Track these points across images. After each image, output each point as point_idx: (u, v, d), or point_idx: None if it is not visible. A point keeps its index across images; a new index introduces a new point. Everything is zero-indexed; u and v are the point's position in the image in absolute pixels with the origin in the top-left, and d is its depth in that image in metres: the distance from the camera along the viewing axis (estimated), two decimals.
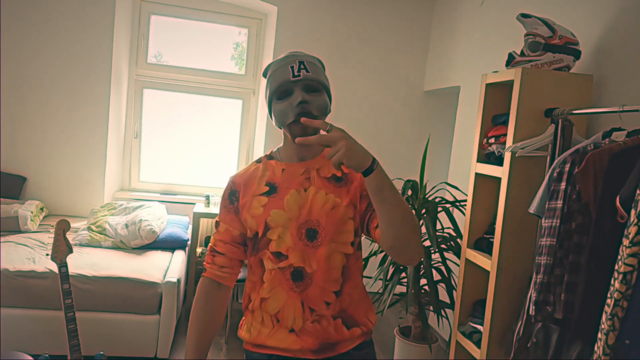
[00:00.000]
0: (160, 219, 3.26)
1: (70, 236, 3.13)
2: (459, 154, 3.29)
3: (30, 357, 2.10)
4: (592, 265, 1.45)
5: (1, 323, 2.43)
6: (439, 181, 3.73)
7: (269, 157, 1.30)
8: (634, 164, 1.36)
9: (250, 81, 4.07)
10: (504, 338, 2.05)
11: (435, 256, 2.78)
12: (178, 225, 3.39)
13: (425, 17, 3.94)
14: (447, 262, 2.66)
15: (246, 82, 4.06)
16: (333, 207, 1.19)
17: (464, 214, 2.61)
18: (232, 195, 1.27)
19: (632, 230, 1.25)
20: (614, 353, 1.28)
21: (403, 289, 2.88)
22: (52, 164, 3.58)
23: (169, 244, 3.16)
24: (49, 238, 3.01)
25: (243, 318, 1.30)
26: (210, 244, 1.30)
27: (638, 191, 1.26)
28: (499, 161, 2.14)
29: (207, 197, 3.67)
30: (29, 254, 2.71)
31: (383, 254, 2.77)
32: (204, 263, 1.30)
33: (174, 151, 4.09)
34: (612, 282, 1.30)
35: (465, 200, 2.66)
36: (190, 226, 3.63)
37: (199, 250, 3.60)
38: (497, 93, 2.25)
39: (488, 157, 2.25)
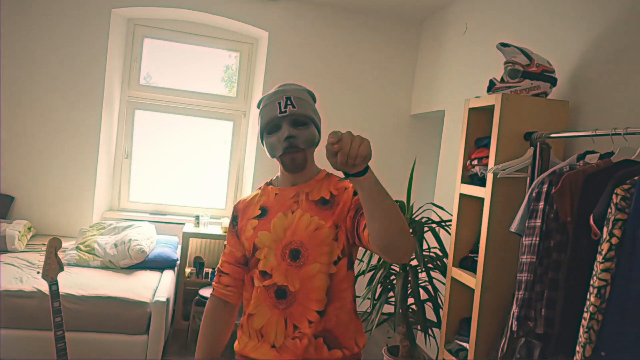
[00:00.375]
0: (150, 239, 3.27)
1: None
2: (445, 175, 3.38)
3: None
4: (570, 281, 1.51)
5: None
6: (426, 202, 3.82)
7: (268, 183, 1.40)
8: (605, 185, 1.44)
9: (241, 103, 4.15)
10: (489, 355, 2.10)
11: (422, 275, 2.83)
12: (167, 245, 3.41)
13: (412, 44, 4.09)
14: (434, 281, 2.71)
15: (237, 104, 4.14)
16: (316, 228, 1.24)
17: (449, 233, 2.68)
18: (234, 220, 1.39)
19: (605, 246, 1.32)
20: None
21: (391, 308, 2.92)
22: (41, 183, 3.59)
23: (158, 264, 3.17)
24: (39, 258, 3.00)
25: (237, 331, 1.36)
26: (218, 264, 1.40)
27: (609, 210, 1.34)
28: (482, 182, 2.22)
29: (197, 217, 3.69)
30: (17, 274, 2.70)
31: (371, 273, 2.81)
32: (213, 283, 1.39)
33: (164, 171, 4.12)
34: (588, 296, 1.37)
35: (450, 220, 2.73)
36: (180, 246, 3.64)
37: (187, 270, 3.61)
38: (479, 117, 2.35)
39: (472, 178, 2.33)
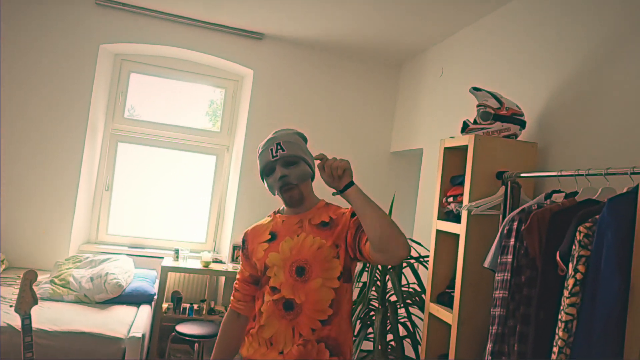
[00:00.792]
0: (127, 273, 3.22)
1: None
2: (423, 211, 3.45)
3: None
4: (540, 316, 1.56)
5: None
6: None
7: (277, 212, 1.64)
8: (570, 223, 1.52)
9: (224, 138, 4.21)
10: None
11: (401, 311, 2.85)
12: (145, 279, 3.36)
13: (391, 85, 4.25)
14: (413, 317, 2.73)
15: (221, 139, 4.20)
16: (319, 247, 1.45)
17: (427, 269, 2.73)
18: (243, 243, 1.63)
19: (570, 282, 1.39)
20: None
21: (370, 344, 2.91)
22: (17, 214, 3.53)
23: (135, 299, 3.11)
24: (12, 292, 2.92)
25: (245, 338, 1.54)
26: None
27: (573, 247, 1.41)
28: (457, 219, 2.29)
29: (176, 251, 3.66)
30: None
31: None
32: (231, 297, 1.64)
33: (144, 204, 4.11)
34: (556, 330, 1.42)
35: (428, 256, 2.78)
36: (158, 280, 3.59)
37: (165, 305, 3.54)
38: (454, 156, 2.45)
39: (448, 214, 2.41)
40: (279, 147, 1.49)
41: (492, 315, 1.74)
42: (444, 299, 2.36)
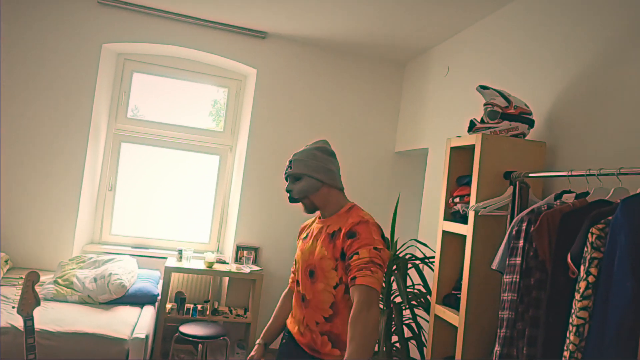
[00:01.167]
0: (131, 273, 3.21)
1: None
2: (428, 212, 3.42)
3: None
4: (550, 319, 1.53)
5: None
6: (409, 238, 3.84)
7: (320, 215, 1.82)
8: (581, 224, 1.48)
9: (228, 138, 4.19)
10: None
11: (406, 313, 2.82)
12: (149, 280, 3.34)
13: (396, 84, 4.22)
14: (418, 318, 2.70)
15: (224, 139, 4.18)
16: (322, 257, 1.62)
17: (432, 270, 2.70)
18: (298, 235, 1.87)
19: (582, 285, 1.35)
20: None
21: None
22: (21, 215, 3.52)
23: (139, 299, 3.10)
24: (15, 293, 2.91)
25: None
26: None
27: (585, 249, 1.38)
28: (464, 219, 2.26)
29: (180, 252, 3.65)
30: None
31: None
32: None
33: (148, 204, 4.09)
34: (567, 334, 1.39)
35: (433, 257, 2.75)
36: (161, 281, 3.57)
37: (168, 305, 3.53)
38: (460, 156, 2.42)
39: (454, 215, 2.37)
40: (289, 164, 1.71)
41: (500, 318, 1.71)
42: (450, 301, 2.33)
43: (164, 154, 4.09)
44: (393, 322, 2.68)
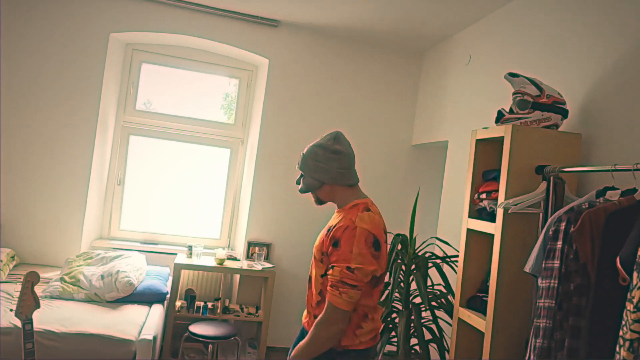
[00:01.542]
0: (139, 270, 3.11)
1: (41, 287, 2.96)
2: (448, 208, 3.26)
3: None
4: (594, 330, 1.38)
5: None
6: (428, 235, 3.69)
7: None
8: (631, 224, 1.33)
9: (239, 130, 4.06)
10: None
11: (426, 314, 2.68)
12: (157, 277, 3.24)
13: (413, 74, 4.05)
14: (439, 320, 2.55)
15: (235, 132, 4.06)
16: (318, 246, 1.72)
17: (454, 270, 2.55)
18: None
19: (636, 294, 1.20)
20: None
21: (393, 348, 2.75)
22: (28, 210, 3.44)
23: (147, 297, 3.00)
24: (16, 290, 2.83)
25: None
26: None
27: (638, 253, 1.22)
28: (490, 217, 2.10)
29: (190, 248, 3.54)
30: None
31: None
32: None
33: (157, 199, 3.99)
34: (617, 349, 1.23)
35: (455, 256, 2.60)
36: (171, 278, 3.47)
37: (178, 303, 3.43)
38: (486, 149, 2.26)
39: (479, 212, 2.22)
40: (299, 159, 1.78)
41: (536, 327, 1.56)
42: (476, 304, 2.18)
43: (174, 147, 3.97)
44: (412, 324, 2.54)
